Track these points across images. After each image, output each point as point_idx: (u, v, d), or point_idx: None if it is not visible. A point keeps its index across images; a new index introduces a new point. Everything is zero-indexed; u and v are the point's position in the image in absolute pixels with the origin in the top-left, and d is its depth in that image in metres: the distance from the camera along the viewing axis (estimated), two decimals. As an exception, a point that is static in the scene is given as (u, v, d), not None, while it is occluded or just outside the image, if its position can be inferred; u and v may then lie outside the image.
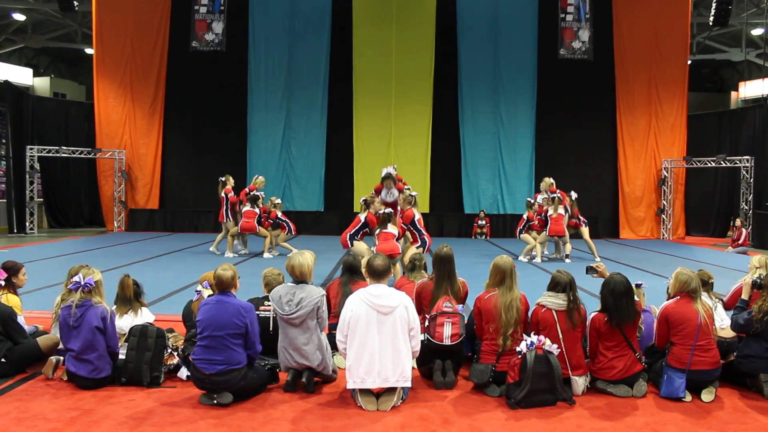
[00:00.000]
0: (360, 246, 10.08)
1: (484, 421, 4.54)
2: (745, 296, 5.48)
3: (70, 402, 4.75)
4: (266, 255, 13.74)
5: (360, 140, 20.04)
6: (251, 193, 13.76)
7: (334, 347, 5.57)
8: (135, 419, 4.48)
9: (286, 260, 5.36)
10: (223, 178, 14.24)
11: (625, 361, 5.03)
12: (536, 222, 13.69)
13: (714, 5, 18.30)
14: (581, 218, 13.88)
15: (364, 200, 10.73)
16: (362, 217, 10.33)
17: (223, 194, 14.06)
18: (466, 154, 20.21)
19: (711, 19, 18.67)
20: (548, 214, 13.37)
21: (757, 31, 23.87)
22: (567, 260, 13.50)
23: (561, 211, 13.38)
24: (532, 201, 14.13)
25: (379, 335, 4.72)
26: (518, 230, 13.93)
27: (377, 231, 10.01)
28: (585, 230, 13.94)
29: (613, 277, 5.20)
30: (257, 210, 13.65)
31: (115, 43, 20.09)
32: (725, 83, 29.51)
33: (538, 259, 13.50)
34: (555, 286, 5.21)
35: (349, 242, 10.21)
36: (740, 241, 16.64)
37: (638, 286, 5.61)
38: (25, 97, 20.12)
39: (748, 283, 5.50)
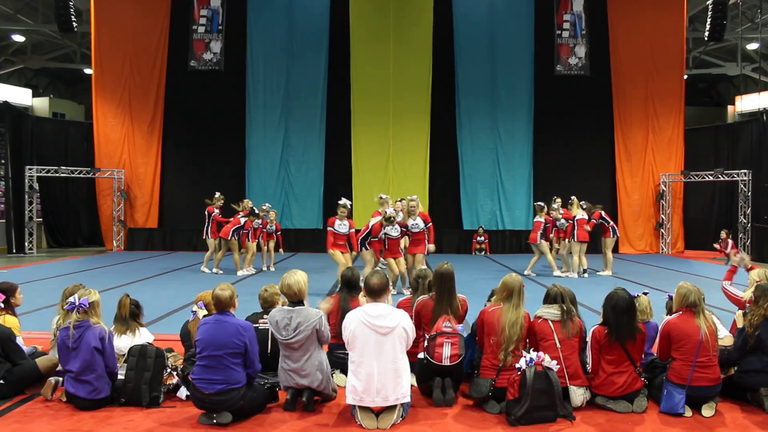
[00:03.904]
0: (365, 255, 10.98)
1: (485, 438, 4.52)
2: (739, 325, 5.56)
3: (69, 423, 4.73)
4: (240, 272, 13.75)
5: (358, 157, 20.06)
6: (243, 204, 14.25)
7: (334, 366, 5.56)
8: (134, 440, 4.46)
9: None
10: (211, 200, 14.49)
11: (626, 378, 5.01)
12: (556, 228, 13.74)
13: (709, 20, 18.43)
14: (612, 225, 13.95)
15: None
16: (370, 224, 10.95)
17: (206, 212, 14.23)
18: (465, 170, 20.23)
19: (706, 34, 18.78)
20: (575, 218, 13.30)
21: (752, 46, 24.02)
22: (585, 275, 13.54)
23: (584, 216, 13.38)
24: (543, 205, 13.96)
25: (378, 355, 4.71)
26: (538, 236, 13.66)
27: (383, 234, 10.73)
28: (609, 241, 14.04)
29: (617, 293, 5.19)
30: (242, 221, 13.68)
31: (114, 63, 20.19)
32: (722, 97, 29.56)
33: (574, 275, 13.52)
34: (547, 298, 5.35)
35: (359, 246, 11.02)
36: (727, 251, 16.59)
37: (645, 293, 5.69)
38: (24, 118, 20.21)
39: (740, 315, 5.65)
